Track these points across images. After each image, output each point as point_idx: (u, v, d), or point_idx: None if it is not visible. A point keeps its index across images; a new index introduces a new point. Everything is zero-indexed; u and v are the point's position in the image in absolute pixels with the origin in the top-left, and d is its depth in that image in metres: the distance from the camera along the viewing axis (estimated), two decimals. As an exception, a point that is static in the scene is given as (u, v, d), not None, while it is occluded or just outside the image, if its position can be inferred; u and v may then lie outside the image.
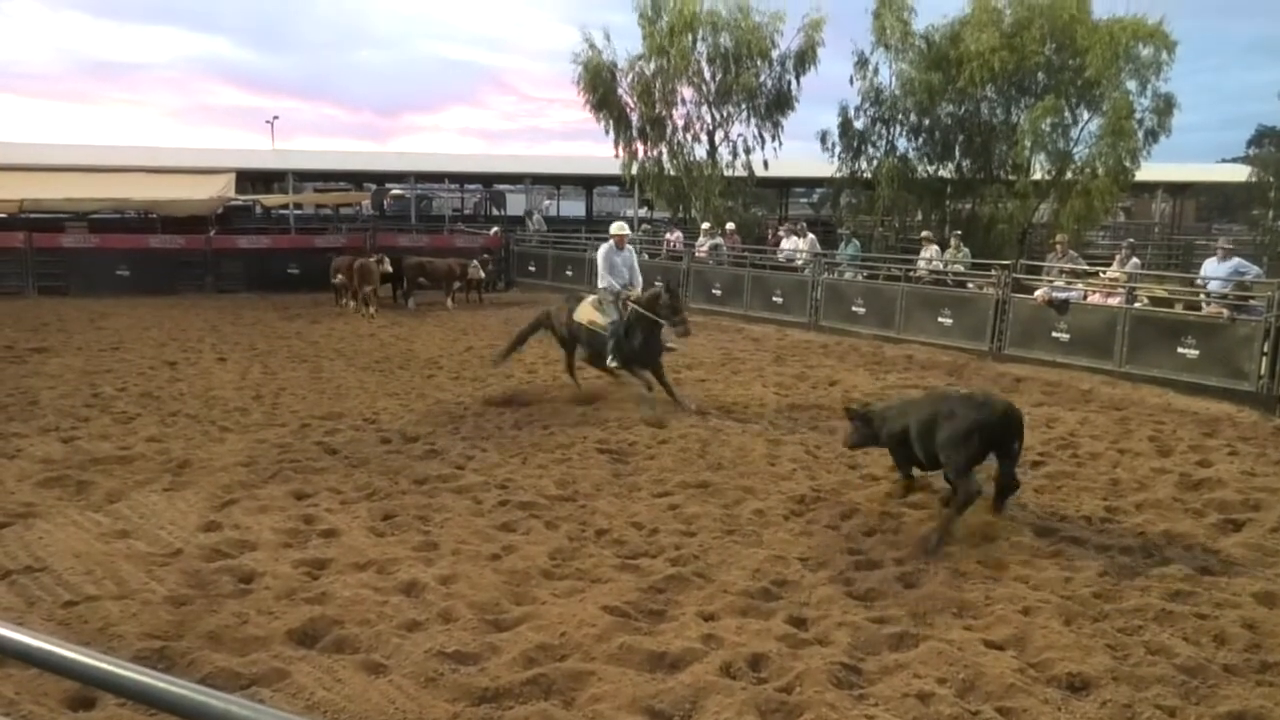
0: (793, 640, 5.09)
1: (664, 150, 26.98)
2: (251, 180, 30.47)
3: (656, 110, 26.44)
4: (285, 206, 30.95)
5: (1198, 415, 11.14)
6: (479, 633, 5.04)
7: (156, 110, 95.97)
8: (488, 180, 38.30)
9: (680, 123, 26.80)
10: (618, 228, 11.59)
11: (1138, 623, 5.43)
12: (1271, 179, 29.09)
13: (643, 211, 31.64)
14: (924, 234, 19.47)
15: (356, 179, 35.74)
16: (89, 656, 1.86)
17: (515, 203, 37.89)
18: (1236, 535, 7.05)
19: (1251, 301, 12.66)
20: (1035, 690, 4.61)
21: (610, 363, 10.95)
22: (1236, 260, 13.57)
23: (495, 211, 38.18)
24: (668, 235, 23.39)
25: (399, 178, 35.17)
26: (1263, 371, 11.55)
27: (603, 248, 11.34)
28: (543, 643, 4.90)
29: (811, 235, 20.08)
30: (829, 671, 4.69)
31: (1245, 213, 33.70)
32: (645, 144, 27.09)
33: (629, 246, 11.53)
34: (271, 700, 4.30)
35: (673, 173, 26.97)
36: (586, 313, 11.19)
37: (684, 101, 26.60)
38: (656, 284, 10.98)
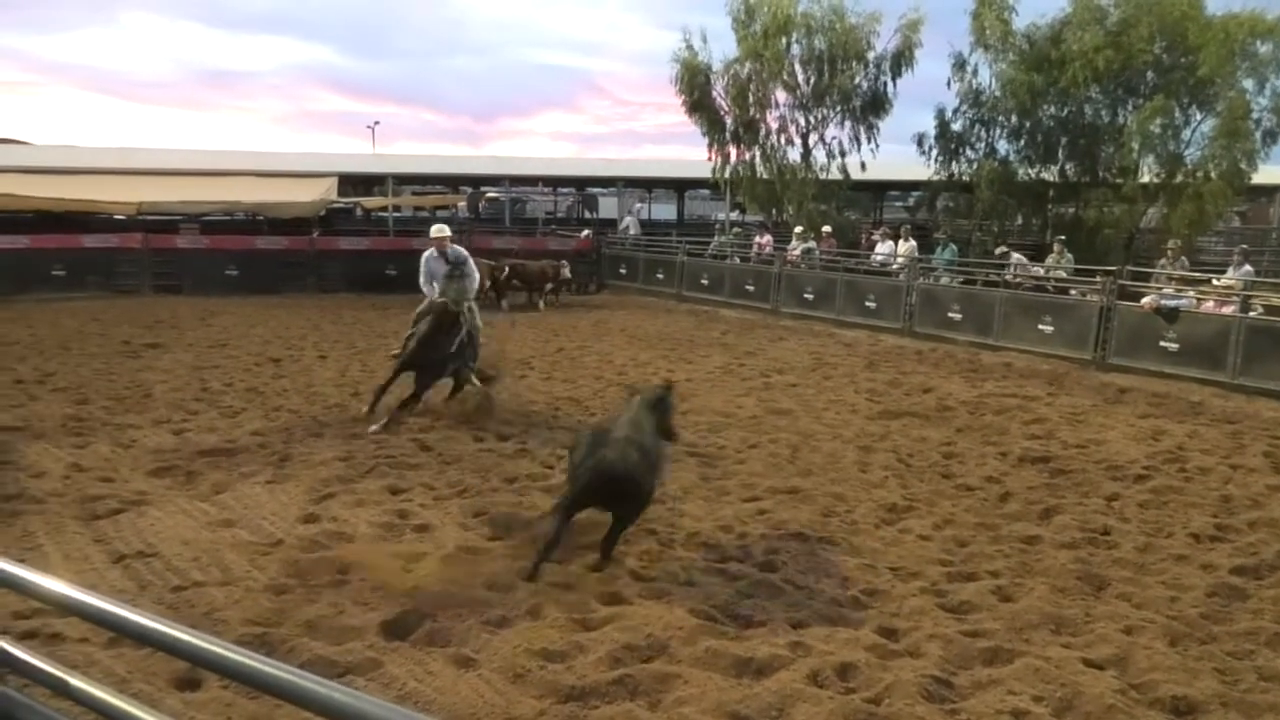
0: (882, 651, 5.00)
1: (757, 153, 26.81)
2: (353, 183, 31.32)
3: (750, 113, 26.28)
4: (384, 209, 31.75)
5: (1318, 431, 10.57)
6: (566, 631, 5.09)
7: (264, 116, 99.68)
8: (580, 184, 38.62)
9: (774, 125, 26.60)
10: (434, 230, 10.49)
11: (1249, 647, 5.19)
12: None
13: (734, 214, 31.51)
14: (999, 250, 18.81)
15: (453, 182, 36.43)
16: (200, 639, 1.94)
17: (607, 206, 38.12)
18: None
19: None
20: (1137, 713, 4.45)
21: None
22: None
23: (587, 214, 38.50)
24: (758, 239, 23.23)
25: (494, 181, 35.70)
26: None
27: (424, 256, 10.34)
28: (629, 643, 4.92)
29: (913, 240, 19.67)
30: (919, 684, 4.59)
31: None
32: (738, 147, 26.96)
33: (451, 250, 10.26)
34: (365, 689, 4.41)
35: (765, 176, 26.78)
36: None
37: (778, 104, 26.39)
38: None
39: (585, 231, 27.82)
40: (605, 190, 38.94)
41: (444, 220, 32.61)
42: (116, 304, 19.32)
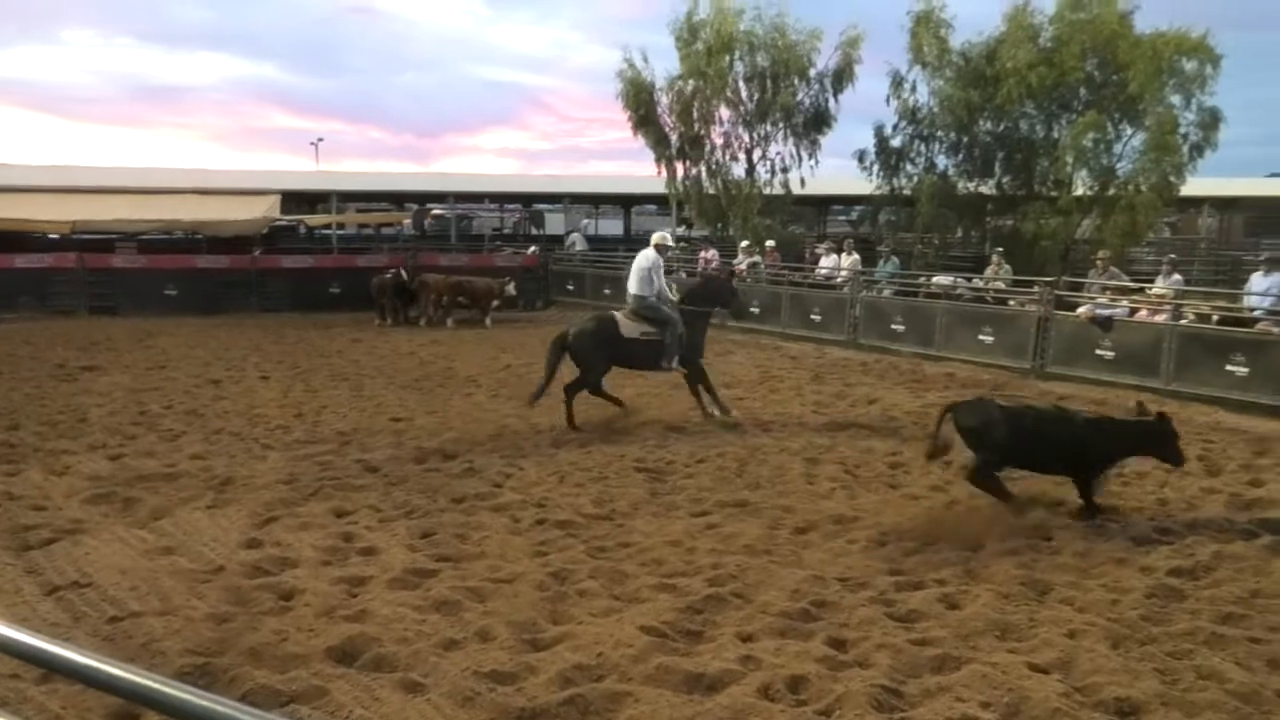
0: (832, 662, 5.02)
1: (703, 169, 27.05)
2: (296, 201, 30.96)
3: (695, 129, 26.54)
4: (328, 227, 31.40)
5: (1248, 434, 10.89)
6: (516, 652, 5.04)
7: (204, 133, 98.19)
8: (527, 200, 38.59)
9: (719, 141, 26.88)
10: (658, 238, 11.66)
11: (1188, 646, 5.30)
12: (1323, 193, 28.46)
13: (681, 230, 31.69)
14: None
15: (398, 199, 36.19)
16: (133, 673, 1.88)
17: (554, 222, 38.11)
18: (1290, 557, 6.86)
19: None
20: (1082, 715, 4.51)
21: (673, 364, 11.17)
22: (1278, 275, 13.33)
23: (534, 231, 38.44)
24: (703, 253, 23.37)
25: (439, 198, 35.54)
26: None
27: (649, 253, 11.29)
28: (580, 663, 4.89)
29: (856, 254, 19.90)
30: (869, 694, 4.61)
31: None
32: (684, 163, 27.19)
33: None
34: (311, 718, 4.32)
35: (712, 191, 27.02)
36: (632, 326, 11.06)
37: (722, 120, 26.69)
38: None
39: (532, 248, 27.78)
40: (552, 206, 38.94)
41: (389, 237, 32.55)
42: (50, 326, 18.86)
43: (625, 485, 8.37)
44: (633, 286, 11.26)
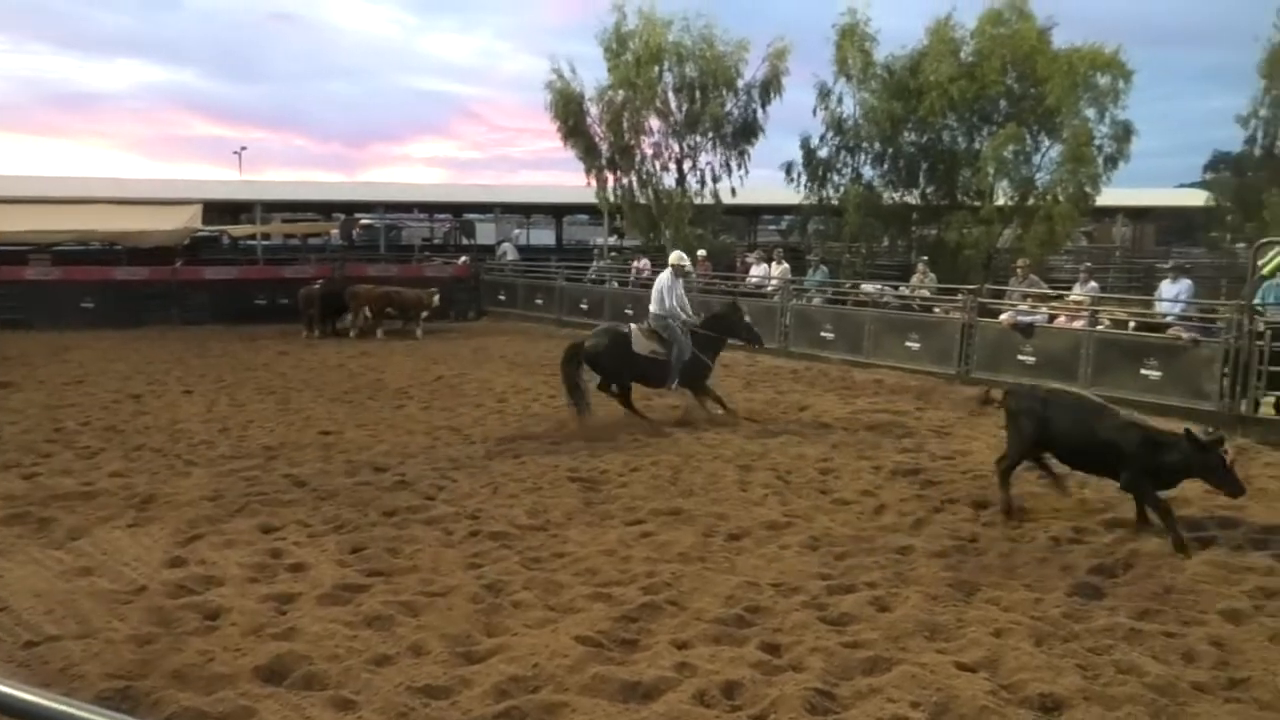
0: (766, 667, 5.07)
1: (634, 179, 27.12)
2: (219, 211, 30.25)
3: (625, 139, 26.57)
4: (253, 237, 30.76)
5: (1161, 435, 11.27)
6: (450, 666, 4.99)
7: (122, 142, 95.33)
8: (457, 210, 38.29)
9: (649, 151, 26.96)
10: (674, 258, 12.18)
11: (1108, 642, 5.47)
12: (1228, 203, 29.64)
13: (613, 240, 31.74)
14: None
15: (325, 209, 35.59)
16: (50, 699, 1.82)
17: (485, 232, 37.87)
18: (1203, 553, 7.13)
19: (1190, 321, 12.90)
20: (1008, 712, 4.62)
21: (675, 384, 11.70)
22: (1185, 282, 13.88)
23: (465, 240, 38.14)
24: (635, 263, 23.45)
25: (368, 208, 35.06)
26: (1223, 391, 11.73)
27: (666, 275, 11.87)
28: (515, 674, 4.85)
29: (786, 263, 20.15)
30: (803, 698, 4.67)
31: (1204, 236, 34.33)
32: (615, 173, 27.22)
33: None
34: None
35: (643, 201, 27.11)
36: (644, 343, 11.59)
37: (652, 131, 26.78)
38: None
39: (463, 258, 27.57)
40: (483, 216, 38.69)
41: (317, 247, 31.99)
42: (-42, 341, 18.10)
43: (559, 495, 8.35)
44: (653, 305, 11.87)
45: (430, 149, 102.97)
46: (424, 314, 20.77)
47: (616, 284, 23.08)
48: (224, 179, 37.31)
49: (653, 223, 27.11)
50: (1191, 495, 8.64)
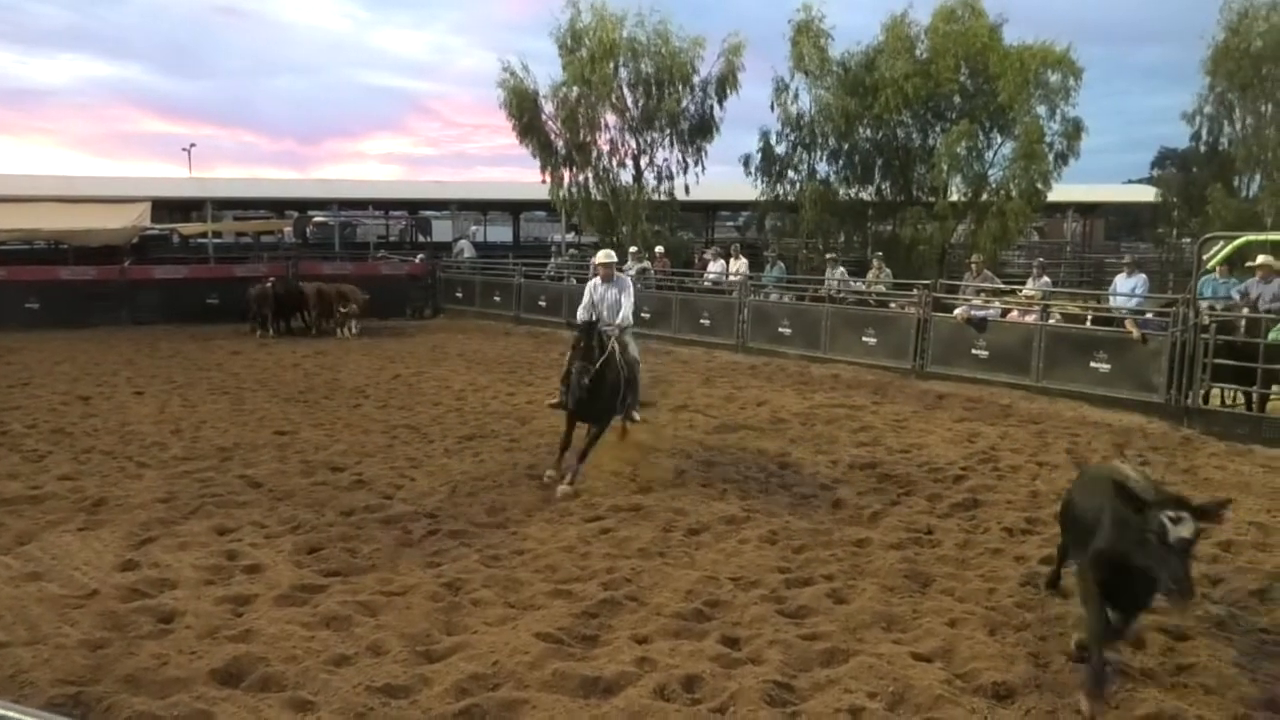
0: (726, 660, 5.11)
1: (590, 175, 27.10)
2: (168, 209, 29.73)
3: (581, 136, 26.55)
4: (204, 235, 30.28)
5: (1111, 427, 11.53)
6: (409, 665, 4.96)
7: (67, 138, 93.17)
8: (413, 207, 37.99)
9: (605, 148, 26.98)
10: (601, 255, 9.81)
11: (1058, 630, 5.58)
12: (1174, 199, 30.32)
13: (570, 237, 31.69)
14: (828, 255, 19.76)
15: (278, 206, 35.13)
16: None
17: (441, 229, 37.60)
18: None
19: (1147, 316, 13.18)
20: (962, 700, 4.70)
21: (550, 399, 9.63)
22: (1141, 275, 14.16)
23: (421, 238, 37.84)
24: (594, 260, 23.41)
25: (322, 205, 34.65)
26: (1170, 384, 12.00)
27: (589, 283, 9.66)
28: (475, 672, 4.84)
29: (744, 259, 20.23)
30: (762, 690, 4.71)
31: (1151, 231, 35.07)
32: (571, 169, 27.18)
33: (620, 277, 9.66)
34: (194, 743, 4.17)
35: (599, 198, 27.10)
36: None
37: (608, 127, 26.80)
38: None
39: (419, 255, 27.36)
40: (439, 213, 38.42)
41: (270, 245, 31.55)
42: (-103, 343, 17.61)
43: (518, 493, 8.33)
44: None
45: (385, 145, 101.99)
46: (352, 309, 20.25)
47: (575, 280, 23.03)
48: (173, 176, 36.61)
49: (609, 219, 27.12)
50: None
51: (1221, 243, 15.33)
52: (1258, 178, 26.53)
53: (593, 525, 7.42)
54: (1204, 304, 12.40)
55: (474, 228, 38.40)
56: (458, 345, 19.00)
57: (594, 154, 26.91)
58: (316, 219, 36.43)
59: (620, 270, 9.55)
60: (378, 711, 4.48)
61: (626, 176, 27.13)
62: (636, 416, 9.39)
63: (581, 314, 9.14)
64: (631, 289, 9.51)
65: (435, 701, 4.57)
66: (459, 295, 24.79)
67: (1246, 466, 9.86)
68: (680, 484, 8.71)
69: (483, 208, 38.90)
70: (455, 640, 5.28)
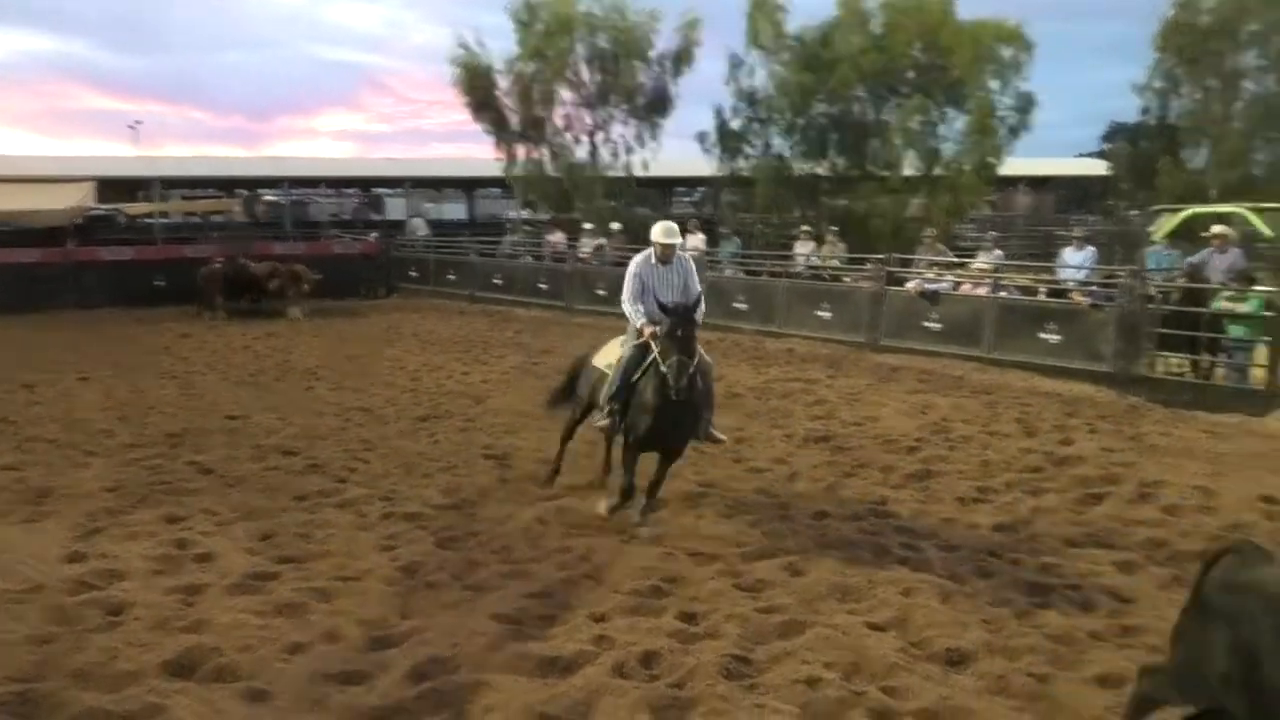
0: (683, 635, 5.14)
1: (545, 152, 26.94)
2: (114, 188, 29.01)
3: (535, 111, 26.37)
4: (150, 215, 29.63)
5: (1060, 396, 11.73)
6: (366, 651, 4.93)
7: (7, 116, 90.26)
8: (365, 184, 37.48)
9: (561, 124, 26.81)
10: (660, 231, 7.15)
11: (1009, 596, 5.69)
12: (1124, 172, 30.76)
13: (526, 213, 31.48)
14: (803, 228, 19.86)
15: (227, 185, 34.48)
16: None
17: (395, 207, 37.14)
18: (1098, 508, 7.47)
19: (1091, 288, 13.40)
20: (917, 668, 4.78)
21: (600, 420, 7.14)
22: (1090, 249, 14.38)
23: (374, 216, 37.36)
24: (549, 236, 23.29)
25: (272, 183, 34.09)
26: (1117, 353, 12.22)
27: (636, 259, 7.29)
28: (432, 656, 4.82)
29: (700, 234, 20.17)
30: (720, 664, 4.75)
31: (1101, 204, 35.57)
32: (526, 146, 27.01)
33: (682, 257, 7.32)
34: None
35: (555, 174, 26.95)
36: (606, 354, 7.48)
37: (563, 103, 26.62)
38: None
39: (372, 234, 27.03)
40: (392, 191, 37.95)
41: (219, 225, 30.96)
42: None
43: (474, 473, 8.29)
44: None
45: (337, 122, 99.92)
46: (298, 292, 19.97)
47: (531, 258, 22.92)
48: (118, 155, 35.65)
49: (564, 196, 26.99)
50: (1086, 453, 9.03)
51: (1167, 215, 15.60)
52: (1204, 151, 26.99)
53: (549, 504, 7.41)
54: (1154, 275, 12.62)
55: (428, 205, 37.96)
56: (412, 325, 18.83)
57: (549, 129, 26.76)
58: (267, 198, 35.84)
59: (680, 250, 7.23)
60: (334, 699, 4.44)
61: (582, 152, 27.03)
62: (721, 436, 7.28)
63: (629, 306, 6.97)
64: (696, 273, 7.35)
65: (392, 687, 4.55)
66: (413, 274, 24.53)
67: (1190, 432, 10.10)
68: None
69: (437, 185, 38.46)
70: (412, 624, 5.25)
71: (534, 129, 26.68)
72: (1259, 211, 14.29)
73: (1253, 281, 11.49)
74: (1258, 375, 11.30)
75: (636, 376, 6.74)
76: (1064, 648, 5.03)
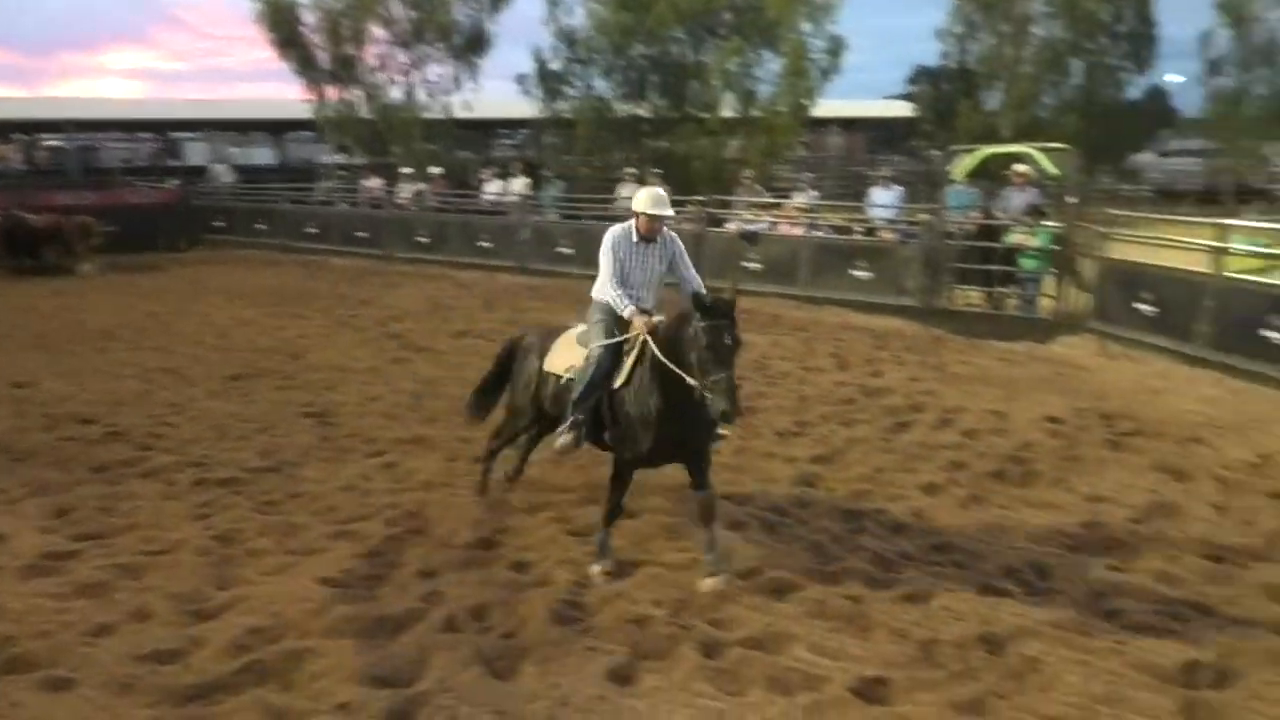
0: (515, 585, 5.15)
1: (358, 92, 25.83)
2: None
3: (346, 50, 25.18)
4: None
5: (872, 330, 12.35)
6: (179, 626, 4.69)
7: None
8: (161, 128, 34.91)
9: (374, 63, 25.72)
10: (647, 200, 5.58)
11: (827, 524, 5.99)
12: (927, 114, 32.28)
13: (341, 158, 30.15)
14: (627, 170, 19.86)
15: (1, 130, 31.42)
16: None
17: (196, 152, 34.78)
18: (906, 435, 7.93)
19: (899, 226, 14.11)
20: (742, 599, 4.98)
21: (560, 437, 5.60)
22: (896, 189, 15.08)
23: (172, 162, 34.90)
24: (364, 182, 22.38)
25: (55, 127, 31.22)
26: (921, 288, 12.94)
27: (611, 232, 5.76)
28: (254, 626, 4.64)
29: (524, 178, 19.80)
30: (551, 611, 4.80)
31: (907, 144, 37.28)
32: (337, 86, 25.80)
33: (667, 235, 5.78)
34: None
35: (369, 116, 25.91)
36: (563, 355, 5.97)
37: (376, 41, 25.53)
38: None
39: (172, 182, 25.24)
40: (192, 135, 35.52)
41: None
42: None
43: (292, 433, 7.96)
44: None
45: (126, 59, 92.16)
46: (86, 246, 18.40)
47: (346, 205, 22.01)
48: None
49: (380, 139, 26.01)
50: (894, 384, 9.56)
51: (964, 155, 16.48)
52: (998, 93, 28.64)
53: (374, 461, 7.23)
54: (953, 213, 13.37)
55: (233, 150, 35.74)
56: (219, 278, 17.76)
57: (361, 69, 25.63)
58: (49, 143, 32.87)
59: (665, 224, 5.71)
60: (146, 680, 4.21)
61: (398, 93, 26.05)
62: (724, 431, 5.55)
63: (612, 292, 5.57)
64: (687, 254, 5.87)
65: (210, 662, 4.36)
66: (219, 224, 23.08)
67: (986, 360, 10.87)
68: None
69: (242, 128, 36.23)
70: (230, 595, 5.03)
71: (345, 68, 25.49)
72: (1046, 151, 15.29)
73: (1044, 216, 12.35)
74: (1045, 305, 12.23)
75: (619, 383, 5.37)
76: (876, 569, 5.35)
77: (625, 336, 5.47)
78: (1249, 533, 5.97)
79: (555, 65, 26.17)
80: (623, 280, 5.65)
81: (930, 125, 32.09)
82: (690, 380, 4.85)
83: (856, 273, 13.52)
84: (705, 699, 4.17)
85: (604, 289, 5.66)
